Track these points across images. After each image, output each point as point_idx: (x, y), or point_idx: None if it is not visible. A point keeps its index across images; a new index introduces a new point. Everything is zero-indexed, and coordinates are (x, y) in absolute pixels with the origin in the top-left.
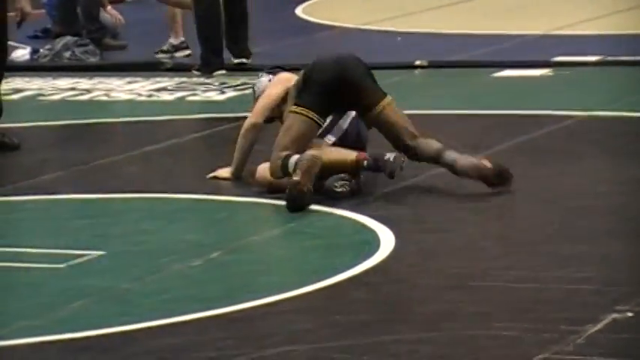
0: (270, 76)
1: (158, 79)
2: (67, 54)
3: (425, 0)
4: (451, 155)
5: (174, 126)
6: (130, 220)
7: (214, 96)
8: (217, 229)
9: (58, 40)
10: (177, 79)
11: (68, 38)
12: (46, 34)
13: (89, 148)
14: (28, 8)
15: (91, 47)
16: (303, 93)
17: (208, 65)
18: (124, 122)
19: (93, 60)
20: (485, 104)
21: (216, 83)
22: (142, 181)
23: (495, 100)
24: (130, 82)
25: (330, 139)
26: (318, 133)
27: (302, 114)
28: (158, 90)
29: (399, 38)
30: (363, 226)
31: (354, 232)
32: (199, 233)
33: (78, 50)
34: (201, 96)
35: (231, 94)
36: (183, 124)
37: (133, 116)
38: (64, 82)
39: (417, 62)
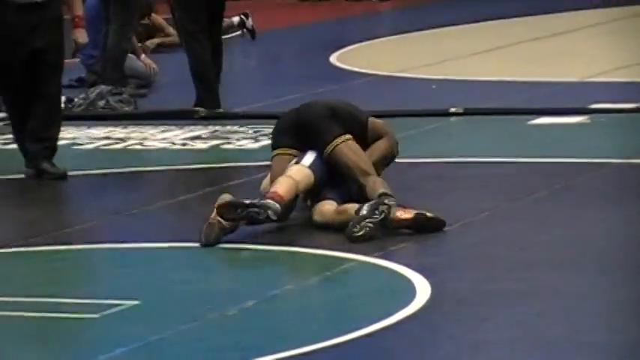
0: None
1: (192, 127)
2: (102, 103)
3: (460, 47)
4: (389, 202)
5: (209, 174)
6: (164, 269)
7: (248, 144)
8: (253, 278)
9: (92, 89)
10: (211, 128)
11: (102, 87)
12: (81, 83)
13: (124, 196)
14: (81, 39)
15: (125, 96)
16: (274, 139)
17: (205, 105)
18: (159, 171)
19: (127, 109)
20: (521, 151)
21: (250, 131)
22: (177, 230)
23: (532, 148)
24: (164, 131)
25: (304, 163)
26: (293, 162)
27: (273, 156)
28: (192, 138)
29: (434, 85)
30: (399, 275)
31: (390, 281)
32: (235, 282)
33: (112, 99)
34: (235, 144)
35: (265, 142)
36: (217, 173)
37: (167, 165)
38: (99, 131)
39: (453, 109)
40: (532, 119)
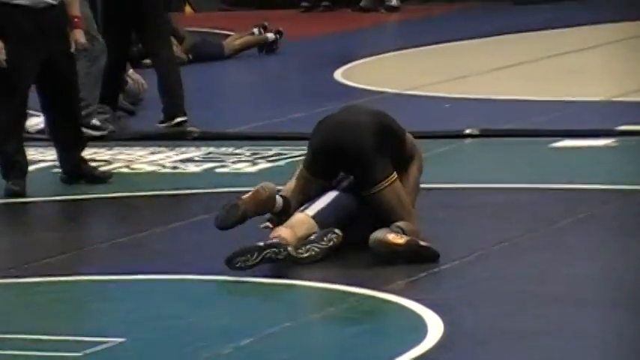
0: None
1: (184, 149)
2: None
3: (476, 62)
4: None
5: (202, 200)
6: (153, 303)
7: (245, 167)
8: (249, 314)
9: None
10: (204, 149)
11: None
12: None
13: (109, 224)
14: (82, 39)
15: (109, 116)
16: (308, 155)
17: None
18: (147, 196)
19: (112, 128)
20: (542, 177)
21: (248, 153)
22: (167, 260)
23: (554, 173)
24: (153, 153)
25: (309, 213)
26: (302, 208)
27: (300, 169)
28: (184, 161)
29: (447, 104)
30: (408, 311)
31: (399, 318)
32: (229, 318)
33: (97, 118)
34: (230, 167)
35: (263, 165)
36: (211, 199)
37: (156, 190)
38: (83, 153)
39: (468, 131)
40: (554, 142)
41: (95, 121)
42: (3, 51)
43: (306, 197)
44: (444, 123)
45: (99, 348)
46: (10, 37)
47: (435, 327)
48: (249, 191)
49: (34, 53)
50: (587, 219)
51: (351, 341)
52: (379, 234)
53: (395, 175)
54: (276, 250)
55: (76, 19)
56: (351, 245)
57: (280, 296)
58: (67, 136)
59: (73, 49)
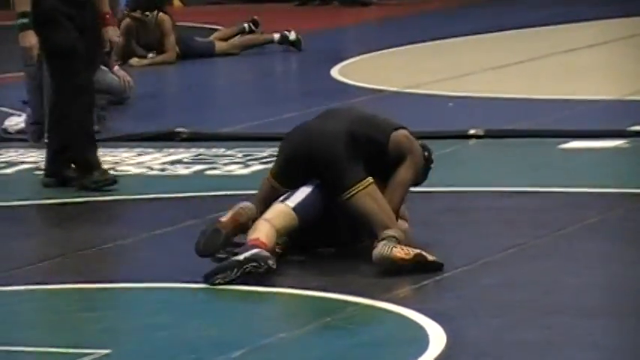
0: None
1: (172, 150)
2: None
3: (480, 59)
4: (385, 236)
5: (191, 205)
6: (140, 313)
7: (237, 169)
8: (241, 324)
9: None
10: (194, 151)
11: None
12: None
13: (93, 230)
14: (115, 38)
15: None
16: (276, 158)
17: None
18: (133, 200)
19: (97, 128)
20: (549, 180)
21: (240, 155)
22: (154, 268)
23: (561, 176)
24: (140, 154)
25: (290, 204)
26: (281, 199)
27: (268, 178)
28: (172, 163)
29: (450, 103)
30: (409, 321)
31: (399, 328)
32: (220, 329)
33: None
34: (222, 170)
35: (256, 167)
36: (201, 203)
37: (143, 193)
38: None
39: (472, 131)
40: (562, 143)
41: None
42: (37, 46)
43: (268, 207)
44: (446, 123)
45: None
46: (63, 24)
47: (436, 338)
48: (227, 213)
49: (82, 43)
50: (597, 224)
51: (349, 353)
52: (383, 250)
53: (369, 180)
54: (257, 265)
55: (107, 16)
56: (339, 251)
57: (274, 305)
58: (65, 138)
59: (107, 48)
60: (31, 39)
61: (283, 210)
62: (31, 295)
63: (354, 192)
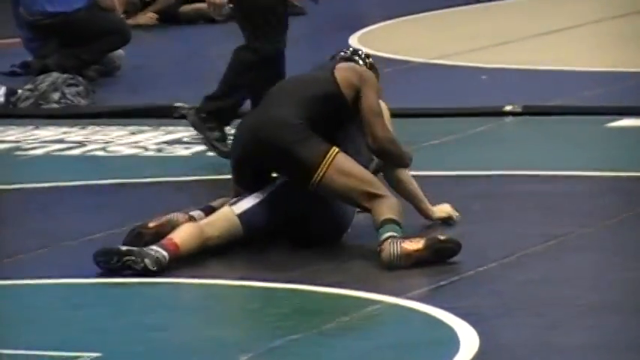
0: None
1: (170, 128)
2: (56, 96)
3: (517, 26)
4: (384, 235)
5: (192, 189)
6: (132, 311)
7: None
8: (247, 324)
9: (41, 77)
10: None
11: (55, 75)
12: (26, 70)
13: (82, 217)
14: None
15: (82, 88)
16: (232, 168)
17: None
18: (127, 184)
19: (85, 103)
20: (597, 163)
21: None
22: None
23: (610, 158)
24: (134, 133)
25: (236, 210)
26: (231, 201)
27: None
28: (170, 143)
29: (484, 76)
30: (438, 321)
31: (426, 329)
32: (223, 329)
33: (68, 91)
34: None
35: None
36: (202, 187)
37: (137, 177)
38: (50, 133)
39: (508, 107)
40: (611, 121)
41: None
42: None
43: None
44: (479, 98)
45: None
46: None
47: (468, 340)
48: (156, 219)
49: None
50: None
51: (370, 357)
52: (392, 250)
53: (333, 150)
54: (135, 260)
55: None
56: (356, 243)
57: (285, 303)
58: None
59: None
60: None
61: (226, 216)
62: (9, 290)
63: (320, 175)
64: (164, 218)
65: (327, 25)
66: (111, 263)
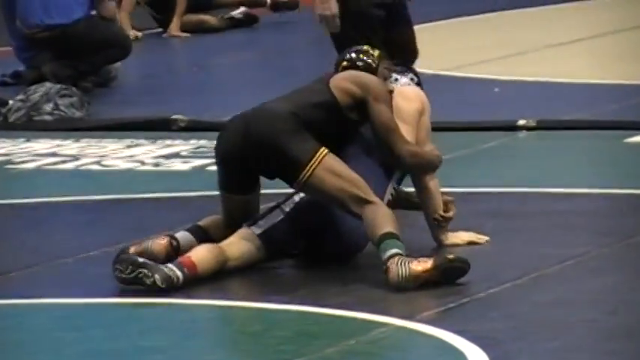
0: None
1: (168, 141)
2: (48, 107)
3: (533, 37)
4: (388, 252)
5: (190, 205)
6: (130, 333)
7: None
8: (248, 348)
9: (34, 87)
10: (193, 142)
11: (48, 85)
12: (18, 80)
13: (75, 234)
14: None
15: (76, 99)
16: (218, 174)
17: None
18: (122, 200)
19: (79, 115)
20: (615, 179)
21: None
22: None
23: (629, 175)
24: (130, 146)
25: (255, 230)
26: (249, 222)
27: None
28: (168, 157)
29: (496, 89)
30: (447, 345)
31: (435, 353)
32: (224, 352)
33: (62, 102)
34: None
35: None
36: (201, 203)
37: (133, 192)
38: (42, 146)
39: (522, 122)
40: (628, 136)
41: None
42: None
43: (233, 219)
44: (492, 112)
45: None
46: None
47: None
48: (135, 245)
49: None
50: None
51: None
52: (400, 271)
53: (322, 151)
54: (146, 273)
55: None
56: (362, 263)
57: (287, 326)
58: None
59: None
60: (331, 6)
61: (247, 237)
62: (2, 310)
63: (308, 173)
64: (142, 245)
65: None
66: (125, 273)
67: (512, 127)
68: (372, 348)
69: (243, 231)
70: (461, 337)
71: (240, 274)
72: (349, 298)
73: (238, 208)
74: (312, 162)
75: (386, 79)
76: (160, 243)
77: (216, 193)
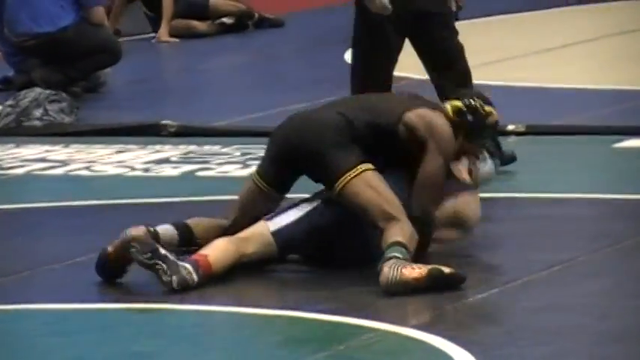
0: None
1: (158, 147)
2: (38, 112)
3: (523, 42)
4: (387, 254)
5: (180, 211)
6: (120, 338)
7: (234, 170)
8: (238, 353)
9: (24, 92)
10: (183, 147)
11: (38, 91)
12: (7, 85)
13: (64, 240)
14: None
15: (65, 104)
16: (264, 155)
17: None
18: (111, 205)
19: (69, 120)
20: (604, 185)
21: (237, 153)
22: (137, 286)
23: (619, 180)
24: (119, 152)
25: (271, 227)
26: (267, 217)
27: (251, 179)
28: (158, 162)
29: (486, 94)
30: (437, 351)
31: (425, 359)
32: (214, 358)
33: (51, 107)
34: (215, 170)
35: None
36: (192, 210)
37: (123, 198)
38: (32, 151)
39: (511, 127)
40: (618, 141)
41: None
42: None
43: (246, 213)
44: None
45: None
46: None
47: None
48: (114, 243)
49: None
50: None
51: None
52: (390, 274)
53: (364, 166)
54: (165, 270)
55: None
56: (352, 267)
57: (276, 331)
58: None
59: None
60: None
61: (261, 232)
62: None
63: (344, 181)
64: (119, 241)
65: (322, 39)
66: (142, 255)
67: (502, 132)
68: (363, 353)
69: (260, 225)
70: (451, 342)
71: (230, 279)
72: (340, 304)
73: (258, 203)
74: (350, 173)
75: (477, 158)
76: (137, 229)
77: (206, 198)
